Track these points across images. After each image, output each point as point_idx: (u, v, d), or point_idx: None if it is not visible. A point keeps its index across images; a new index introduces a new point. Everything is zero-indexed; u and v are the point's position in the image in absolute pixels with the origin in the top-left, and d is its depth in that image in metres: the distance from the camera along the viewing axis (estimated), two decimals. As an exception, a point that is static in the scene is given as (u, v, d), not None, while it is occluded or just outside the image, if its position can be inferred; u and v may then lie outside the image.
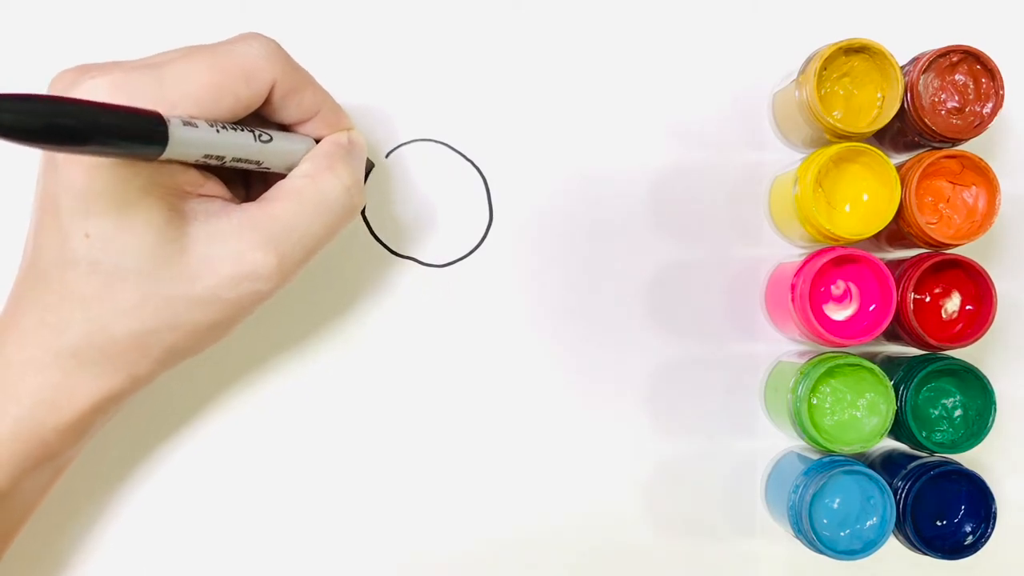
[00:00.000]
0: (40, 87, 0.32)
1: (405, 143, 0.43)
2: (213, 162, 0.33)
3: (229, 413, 0.43)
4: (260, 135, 0.34)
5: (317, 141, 0.37)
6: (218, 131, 0.32)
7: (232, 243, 0.33)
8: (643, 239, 0.43)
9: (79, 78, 0.31)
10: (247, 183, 0.38)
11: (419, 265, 0.43)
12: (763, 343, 0.44)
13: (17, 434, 0.33)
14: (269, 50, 0.34)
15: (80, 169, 0.31)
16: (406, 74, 0.43)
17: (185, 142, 0.31)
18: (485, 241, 0.43)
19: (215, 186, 0.35)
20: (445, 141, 0.43)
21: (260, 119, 0.36)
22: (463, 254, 0.43)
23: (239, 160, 0.34)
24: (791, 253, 0.43)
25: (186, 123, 0.31)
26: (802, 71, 0.39)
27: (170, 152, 0.30)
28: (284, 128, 0.37)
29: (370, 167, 0.41)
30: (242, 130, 0.34)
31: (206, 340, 0.35)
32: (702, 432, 0.44)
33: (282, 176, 0.36)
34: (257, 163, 0.35)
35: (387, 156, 0.43)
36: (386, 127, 0.43)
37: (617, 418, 0.43)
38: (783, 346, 0.44)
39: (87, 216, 0.31)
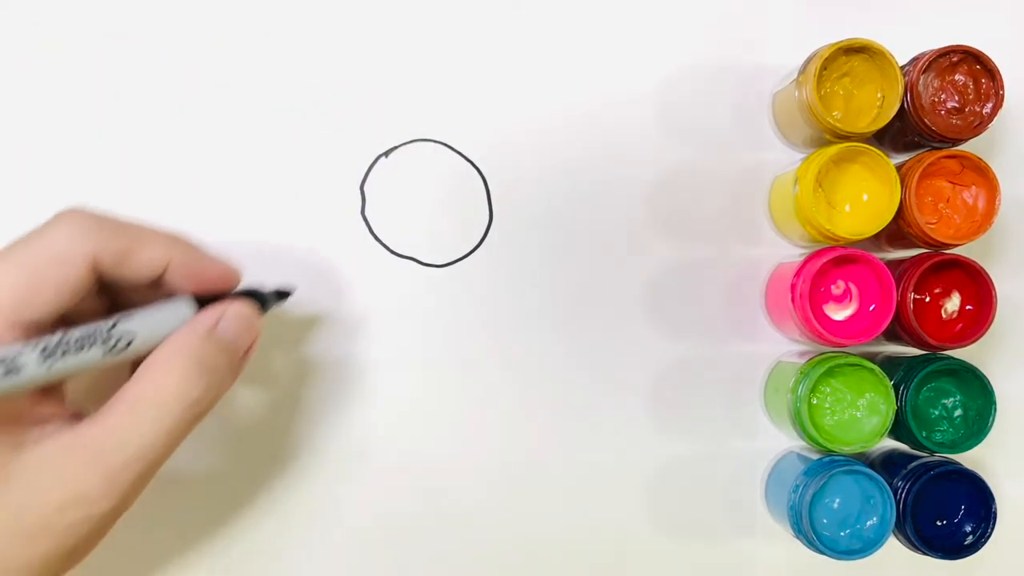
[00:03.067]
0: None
1: (405, 143, 0.43)
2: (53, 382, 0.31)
3: (227, 409, 0.43)
4: (116, 344, 0.31)
5: (201, 299, 0.34)
6: (51, 365, 0.30)
7: (60, 466, 0.30)
8: (643, 239, 0.43)
9: None
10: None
11: (419, 265, 0.43)
12: (763, 343, 0.44)
13: None
14: (79, 224, 0.32)
15: None
16: (406, 74, 0.43)
17: (5, 391, 0.29)
18: (485, 241, 0.43)
19: (48, 407, 0.32)
20: (445, 141, 0.43)
21: (117, 287, 0.33)
22: (463, 254, 0.43)
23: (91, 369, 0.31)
24: (791, 253, 0.43)
25: (8, 371, 0.29)
26: (802, 71, 0.39)
27: None
28: (151, 287, 0.34)
29: (282, 298, 0.38)
30: (89, 347, 0.31)
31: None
32: (702, 432, 0.44)
33: None
34: (118, 362, 0.32)
35: (387, 156, 0.43)
36: (386, 127, 0.43)
37: (617, 418, 0.43)
38: (783, 346, 0.44)
39: None
